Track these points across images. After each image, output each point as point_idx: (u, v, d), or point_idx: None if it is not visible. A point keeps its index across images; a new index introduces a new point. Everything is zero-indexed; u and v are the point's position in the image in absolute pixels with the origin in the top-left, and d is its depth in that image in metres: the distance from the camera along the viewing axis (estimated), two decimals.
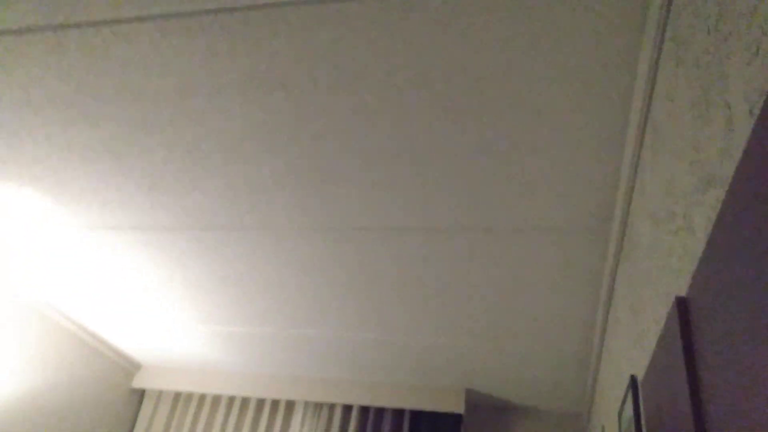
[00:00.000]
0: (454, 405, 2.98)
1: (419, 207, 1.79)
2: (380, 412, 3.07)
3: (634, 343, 1.66)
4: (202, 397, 3.40)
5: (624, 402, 1.72)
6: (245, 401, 3.34)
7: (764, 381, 0.64)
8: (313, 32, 1.28)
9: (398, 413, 3.03)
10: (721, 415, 0.76)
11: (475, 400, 3.15)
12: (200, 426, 3.29)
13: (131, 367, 3.44)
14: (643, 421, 1.46)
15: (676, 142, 1.13)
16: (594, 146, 1.49)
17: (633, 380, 1.59)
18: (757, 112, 0.74)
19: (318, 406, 3.19)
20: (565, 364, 2.62)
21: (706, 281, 0.80)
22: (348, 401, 3.09)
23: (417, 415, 3.02)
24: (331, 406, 3.15)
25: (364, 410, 3.09)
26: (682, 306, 0.89)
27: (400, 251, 2.01)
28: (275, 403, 3.28)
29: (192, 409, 3.36)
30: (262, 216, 1.94)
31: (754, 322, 0.66)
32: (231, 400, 3.35)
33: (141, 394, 3.54)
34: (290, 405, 3.27)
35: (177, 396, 3.45)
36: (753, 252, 0.67)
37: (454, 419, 2.97)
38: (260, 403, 3.31)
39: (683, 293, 0.98)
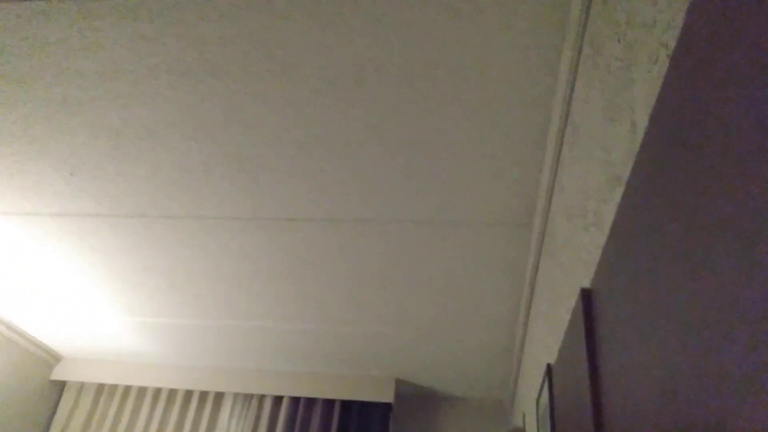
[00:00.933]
0: (384, 395, 3.03)
1: (351, 198, 1.81)
2: (310, 402, 3.07)
3: (551, 333, 1.74)
4: (127, 390, 3.30)
5: (541, 389, 1.81)
6: (172, 393, 3.26)
7: (651, 361, 0.69)
8: (243, 20, 1.27)
9: (329, 403, 3.05)
10: (615, 391, 0.82)
11: (405, 390, 3.22)
12: (124, 419, 3.19)
13: (50, 358, 3.30)
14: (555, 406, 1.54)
15: (590, 142, 1.20)
16: (518, 144, 1.55)
17: (549, 368, 1.67)
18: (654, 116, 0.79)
19: (247, 397, 3.16)
20: (490, 354, 2.71)
21: (606, 274, 0.86)
22: (278, 392, 3.08)
23: (347, 405, 3.05)
24: (261, 398, 3.13)
25: (295, 401, 3.09)
26: (585, 296, 0.94)
27: (331, 242, 2.02)
28: (203, 395, 3.23)
29: (116, 402, 3.25)
30: (189, 204, 1.90)
31: (644, 309, 0.72)
32: (157, 392, 3.27)
33: (61, 386, 3.39)
34: (219, 397, 3.22)
35: (100, 388, 3.33)
36: (645, 247, 0.72)
37: (384, 408, 3.02)
38: (188, 395, 3.25)
39: (589, 285, 1.05)
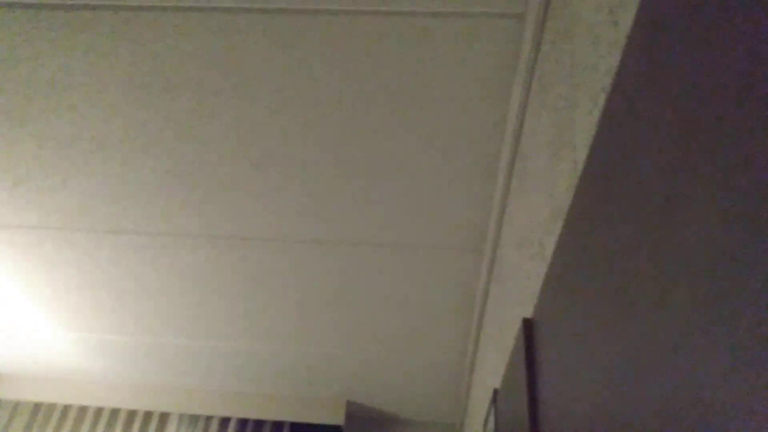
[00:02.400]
0: (335, 417, 3.00)
1: (304, 219, 1.81)
2: (259, 424, 3.02)
3: (498, 359, 1.77)
4: (66, 409, 3.17)
5: (488, 414, 1.83)
6: (114, 413, 3.15)
7: (584, 390, 0.72)
8: (201, 39, 1.27)
9: (277, 426, 3.00)
10: (552, 420, 0.85)
11: (356, 412, 3.19)
12: None
13: None
14: None
15: (537, 176, 1.24)
16: (471, 172, 1.59)
17: (495, 393, 1.69)
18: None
19: (193, 418, 3.08)
20: (441, 377, 2.73)
21: (546, 304, 0.89)
22: (225, 413, 3.01)
23: (297, 428, 3.01)
24: (208, 419, 3.05)
25: (242, 423, 3.02)
26: (527, 326, 0.97)
27: (283, 262, 2.01)
28: (148, 415, 3.13)
29: (53, 422, 3.12)
30: (140, 220, 1.86)
31: (580, 339, 0.75)
32: (98, 411, 3.15)
33: None
34: (164, 417, 3.13)
35: (37, 407, 3.19)
36: (580, 279, 0.75)
37: (334, 431, 2.99)
38: (131, 414, 3.14)
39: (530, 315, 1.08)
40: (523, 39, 1.23)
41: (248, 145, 1.55)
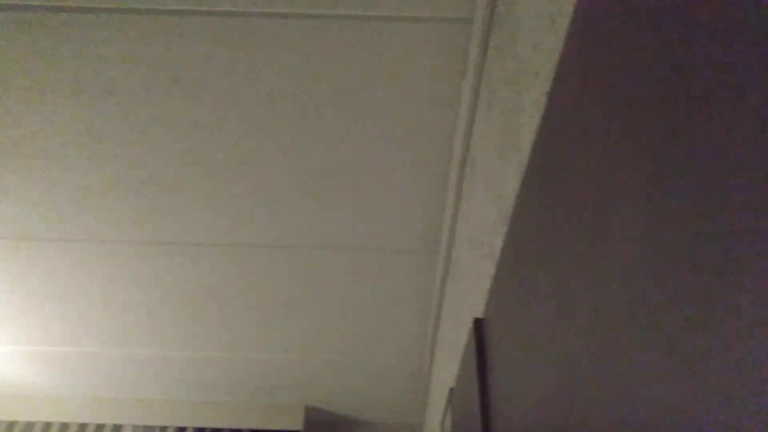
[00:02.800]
0: (293, 422, 2.98)
1: (258, 223, 1.79)
2: None
3: (453, 358, 1.80)
4: (12, 425, 3.04)
5: (445, 413, 1.85)
6: (64, 428, 3.04)
7: (531, 388, 0.74)
8: (145, 41, 1.25)
9: None
10: (502, 418, 0.86)
11: (315, 417, 3.18)
12: None
13: None
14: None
15: (487, 177, 1.27)
16: (423, 175, 1.60)
17: (451, 393, 1.71)
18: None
19: (148, 429, 3.00)
20: (400, 378, 2.74)
21: (495, 304, 0.91)
22: (181, 423, 2.95)
23: None
24: (163, 429, 2.98)
25: None
26: (478, 325, 0.99)
27: (237, 268, 1.99)
28: (99, 428, 3.04)
29: None
30: (87, 227, 1.81)
31: (526, 338, 0.77)
32: (47, 427, 3.04)
33: None
34: (117, 430, 3.04)
35: None
36: (525, 278, 0.77)
37: None
38: (82, 428, 3.04)
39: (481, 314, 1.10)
40: (471, 43, 1.25)
41: (198, 149, 1.53)
